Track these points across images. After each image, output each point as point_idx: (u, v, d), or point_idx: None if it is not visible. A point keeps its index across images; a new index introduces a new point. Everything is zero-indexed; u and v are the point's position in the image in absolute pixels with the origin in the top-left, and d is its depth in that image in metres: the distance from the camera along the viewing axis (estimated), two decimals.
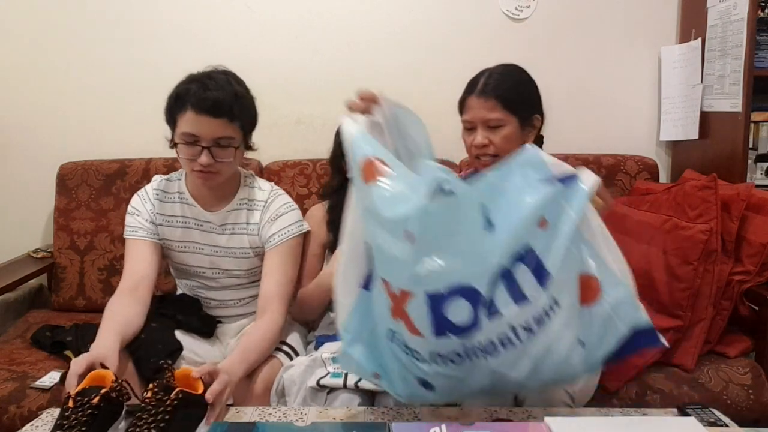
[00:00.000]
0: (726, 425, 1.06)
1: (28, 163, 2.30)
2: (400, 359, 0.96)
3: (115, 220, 2.08)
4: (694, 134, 2.16)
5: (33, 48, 2.26)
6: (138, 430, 0.92)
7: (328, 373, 1.29)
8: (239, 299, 1.60)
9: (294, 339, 1.55)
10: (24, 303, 2.11)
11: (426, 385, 0.96)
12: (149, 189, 1.56)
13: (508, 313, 0.90)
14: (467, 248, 0.88)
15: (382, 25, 2.26)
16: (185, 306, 1.58)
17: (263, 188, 1.57)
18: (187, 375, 1.04)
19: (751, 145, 2.01)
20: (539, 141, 1.51)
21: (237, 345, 1.33)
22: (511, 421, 1.06)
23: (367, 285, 0.99)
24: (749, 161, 2.00)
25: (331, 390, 1.27)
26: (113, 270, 2.07)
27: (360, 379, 1.25)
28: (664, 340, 0.98)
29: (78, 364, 1.07)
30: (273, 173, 2.13)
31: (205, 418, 1.00)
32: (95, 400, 0.93)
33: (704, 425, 1.01)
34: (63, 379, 1.53)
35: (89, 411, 0.93)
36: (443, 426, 0.99)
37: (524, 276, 0.90)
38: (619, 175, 2.13)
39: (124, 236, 1.53)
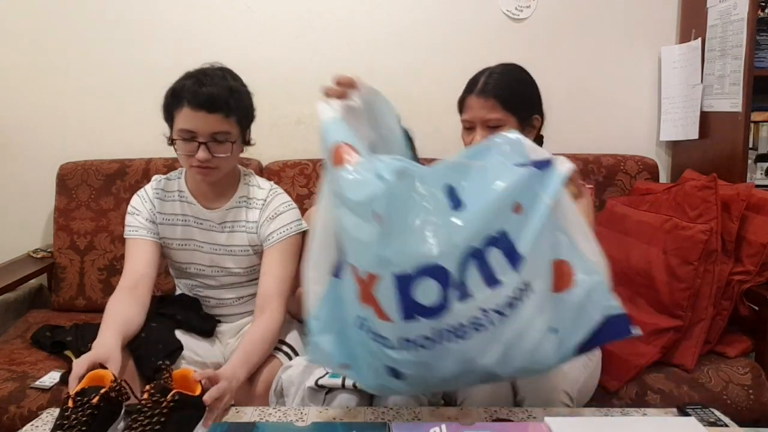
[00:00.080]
0: (726, 425, 1.06)
1: (28, 163, 2.30)
2: (369, 347, 0.94)
3: (115, 220, 2.09)
4: (694, 134, 2.16)
5: (33, 48, 2.26)
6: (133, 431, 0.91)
7: (327, 373, 1.29)
8: (238, 298, 1.61)
9: (293, 338, 1.55)
10: (24, 303, 2.11)
11: (395, 374, 0.94)
12: (149, 188, 1.57)
13: (480, 296, 0.89)
14: (434, 228, 0.87)
15: (382, 25, 2.26)
16: (185, 306, 1.58)
17: (262, 187, 1.57)
18: (184, 376, 1.04)
19: (751, 145, 2.01)
20: (539, 141, 1.51)
21: (238, 347, 1.34)
22: (511, 421, 1.07)
23: (337, 273, 0.98)
24: (749, 161, 2.00)
25: (330, 390, 1.27)
26: (113, 270, 2.07)
27: None
28: (636, 330, 0.97)
29: (80, 365, 1.07)
30: (273, 173, 2.13)
31: (202, 420, 1.00)
32: (95, 400, 0.93)
33: (704, 425, 1.01)
34: (63, 379, 1.53)
35: (89, 411, 0.92)
36: (443, 426, 0.99)
37: (497, 259, 0.89)
38: (619, 175, 2.13)
39: (124, 236, 1.53)
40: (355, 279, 0.91)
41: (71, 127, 2.29)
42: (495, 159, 0.94)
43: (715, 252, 1.58)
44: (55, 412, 1.03)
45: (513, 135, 0.97)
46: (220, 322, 1.61)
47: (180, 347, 1.41)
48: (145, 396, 0.95)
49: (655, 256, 1.64)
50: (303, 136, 2.28)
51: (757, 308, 1.66)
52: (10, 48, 2.26)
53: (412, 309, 0.87)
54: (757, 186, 1.83)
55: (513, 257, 0.90)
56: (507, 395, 1.29)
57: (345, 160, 0.89)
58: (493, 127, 1.36)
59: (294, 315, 1.64)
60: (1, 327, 1.94)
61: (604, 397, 1.51)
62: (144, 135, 2.06)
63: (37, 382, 1.52)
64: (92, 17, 2.24)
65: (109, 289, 2.03)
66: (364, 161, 0.89)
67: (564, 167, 0.95)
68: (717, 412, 1.10)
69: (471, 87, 1.41)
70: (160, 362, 1.03)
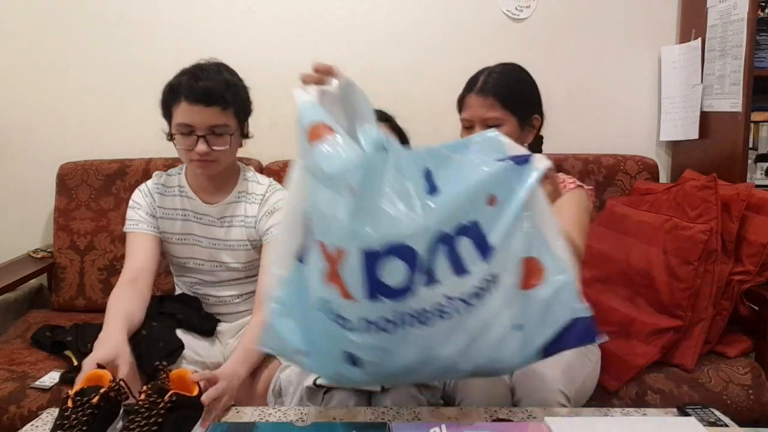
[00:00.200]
0: (726, 425, 1.06)
1: (28, 163, 2.30)
2: (329, 331, 0.92)
3: (115, 220, 2.09)
4: (694, 134, 2.16)
5: (33, 48, 2.26)
6: None
7: None
8: (238, 295, 1.61)
9: None
10: (24, 303, 2.11)
11: (353, 360, 0.92)
12: (150, 183, 1.59)
13: (447, 283, 0.88)
14: (407, 207, 0.87)
15: (382, 25, 2.26)
16: (185, 305, 1.58)
17: (262, 182, 1.59)
18: (182, 377, 1.04)
19: (751, 145, 2.01)
20: (539, 141, 1.51)
21: (238, 344, 1.34)
22: (511, 421, 1.07)
23: (302, 257, 0.96)
24: (749, 161, 2.00)
25: (328, 389, 1.27)
26: (113, 270, 2.07)
27: None
28: (602, 337, 0.96)
29: (91, 364, 1.08)
30: (273, 173, 2.13)
31: (200, 421, 1.00)
32: (95, 400, 0.93)
33: (704, 425, 1.01)
34: (63, 379, 1.53)
35: (89, 411, 0.93)
36: (443, 426, 0.99)
37: (467, 248, 0.89)
38: (619, 175, 2.13)
39: (125, 230, 1.55)
40: (324, 256, 0.90)
41: (71, 127, 2.29)
42: (473, 155, 0.94)
43: (715, 252, 1.58)
44: (55, 412, 1.03)
45: (491, 133, 0.98)
46: (220, 321, 1.61)
47: (181, 346, 1.42)
48: (143, 396, 0.95)
49: (655, 256, 1.64)
50: None
51: (757, 308, 1.66)
52: (10, 48, 2.26)
53: (376, 289, 0.86)
54: (757, 186, 1.83)
55: (483, 248, 0.90)
56: (505, 395, 1.29)
57: (323, 136, 0.89)
58: (492, 126, 1.35)
59: None
60: (1, 327, 1.95)
61: (604, 397, 1.51)
62: (144, 135, 2.06)
63: (37, 382, 1.52)
64: (92, 17, 2.24)
65: (109, 289, 2.01)
66: (342, 138, 0.89)
67: (541, 164, 0.95)
68: (717, 412, 1.09)
69: (470, 86, 1.41)
70: (158, 362, 1.04)
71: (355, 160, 0.86)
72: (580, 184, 1.40)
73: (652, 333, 1.60)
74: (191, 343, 1.48)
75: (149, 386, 0.96)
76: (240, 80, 1.50)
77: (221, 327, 1.61)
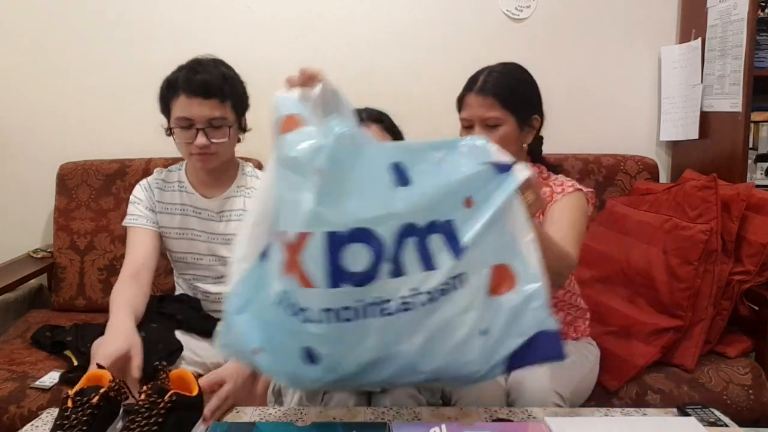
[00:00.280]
0: (726, 425, 1.06)
1: (28, 163, 2.30)
2: (287, 326, 0.90)
3: (115, 220, 2.09)
4: (694, 134, 2.16)
5: (33, 48, 2.26)
6: None
7: None
8: None
9: None
10: (24, 303, 2.11)
11: (310, 357, 0.90)
12: (151, 179, 1.61)
13: (413, 276, 0.88)
14: (374, 194, 0.87)
15: (382, 25, 2.26)
16: (185, 306, 1.59)
17: (261, 177, 1.59)
18: (182, 377, 1.04)
19: (751, 145, 2.01)
20: (539, 141, 1.50)
21: None
22: (511, 421, 1.07)
23: (265, 253, 0.95)
24: (749, 161, 2.00)
25: (327, 390, 1.27)
26: (113, 270, 2.07)
27: None
28: (565, 352, 0.96)
29: (108, 358, 1.11)
30: None
31: (200, 420, 1.00)
32: (95, 400, 0.93)
33: (704, 425, 1.01)
34: (63, 379, 1.53)
35: (89, 411, 0.92)
36: (443, 426, 0.99)
37: (437, 245, 0.89)
38: (619, 175, 2.13)
39: (125, 224, 1.56)
40: (283, 247, 0.88)
41: (71, 127, 2.29)
42: (457, 156, 0.94)
43: (715, 252, 1.58)
44: (55, 412, 1.03)
45: (480, 141, 0.97)
46: (220, 320, 1.61)
47: (180, 348, 1.42)
48: (143, 397, 0.95)
49: (655, 256, 1.64)
50: None
51: (757, 308, 1.66)
52: (10, 48, 2.26)
53: (338, 276, 0.85)
54: (757, 186, 1.83)
55: (454, 246, 0.90)
56: (500, 396, 1.29)
57: (294, 127, 0.89)
58: (491, 126, 1.35)
59: None
60: (1, 327, 1.95)
61: (604, 397, 1.51)
62: (144, 135, 2.06)
63: (37, 382, 1.52)
64: (92, 17, 2.24)
65: (109, 289, 2.01)
66: (314, 127, 0.89)
67: (521, 174, 0.95)
68: (717, 412, 1.09)
69: (470, 85, 1.40)
70: (157, 363, 1.04)
71: (324, 142, 0.86)
72: (579, 187, 1.39)
73: (652, 333, 1.60)
74: (191, 343, 1.48)
75: (149, 386, 0.96)
76: (236, 74, 1.52)
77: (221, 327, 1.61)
